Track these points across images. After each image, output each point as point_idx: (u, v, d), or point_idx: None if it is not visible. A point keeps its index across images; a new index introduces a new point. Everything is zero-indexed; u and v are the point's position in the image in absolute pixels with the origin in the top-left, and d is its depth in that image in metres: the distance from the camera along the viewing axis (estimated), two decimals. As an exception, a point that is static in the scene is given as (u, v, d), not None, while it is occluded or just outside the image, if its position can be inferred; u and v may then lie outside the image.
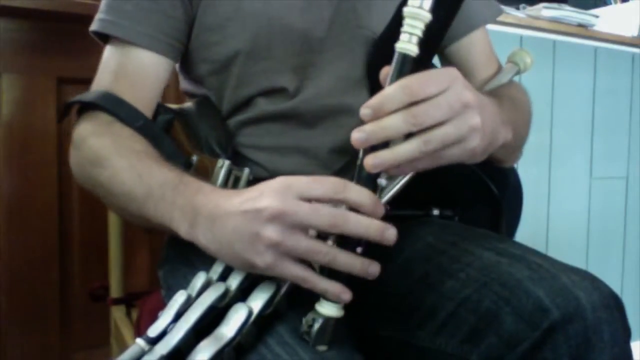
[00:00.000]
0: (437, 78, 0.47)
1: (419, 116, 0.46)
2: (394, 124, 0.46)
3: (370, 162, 0.47)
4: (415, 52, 0.48)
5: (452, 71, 0.49)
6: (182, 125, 0.73)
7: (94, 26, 0.71)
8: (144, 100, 0.69)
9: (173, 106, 0.77)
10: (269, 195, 0.46)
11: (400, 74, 0.48)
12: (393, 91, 0.47)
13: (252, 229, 0.46)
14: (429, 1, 0.48)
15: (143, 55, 0.69)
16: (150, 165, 0.58)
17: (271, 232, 0.45)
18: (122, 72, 0.69)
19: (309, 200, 0.46)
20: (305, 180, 0.46)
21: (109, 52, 0.71)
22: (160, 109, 0.74)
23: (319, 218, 0.45)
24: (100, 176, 0.61)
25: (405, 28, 0.48)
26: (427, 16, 0.48)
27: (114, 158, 0.60)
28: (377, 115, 0.47)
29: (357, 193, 0.46)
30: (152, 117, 0.71)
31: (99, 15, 0.70)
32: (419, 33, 0.48)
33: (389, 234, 0.47)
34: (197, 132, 0.71)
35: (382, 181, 0.49)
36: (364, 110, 0.47)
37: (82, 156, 0.64)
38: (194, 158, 0.67)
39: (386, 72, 0.49)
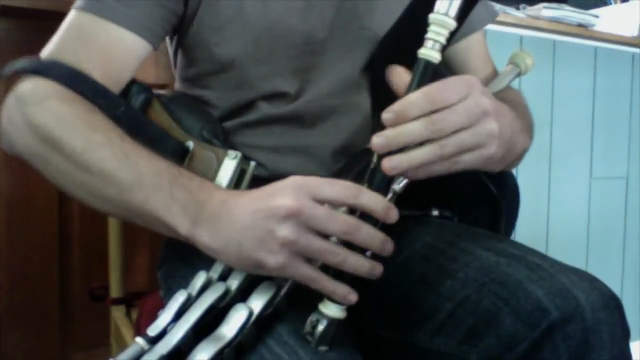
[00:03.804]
0: (458, 86, 0.48)
1: (438, 123, 0.46)
2: (414, 130, 0.46)
3: (388, 165, 0.47)
4: (438, 59, 0.48)
5: (470, 79, 0.49)
6: (164, 106, 0.66)
7: (79, 4, 0.63)
8: (113, 76, 0.62)
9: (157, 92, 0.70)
10: (283, 193, 0.45)
11: (421, 80, 0.48)
12: (416, 98, 0.47)
13: (266, 227, 0.45)
14: (455, 8, 0.48)
15: (123, 34, 0.62)
16: (136, 147, 0.52)
17: (286, 231, 0.44)
18: (92, 41, 0.61)
19: (322, 201, 0.46)
20: (319, 182, 0.46)
21: (77, 19, 0.62)
22: (134, 86, 0.65)
23: (335, 224, 0.45)
24: (66, 148, 0.52)
25: (429, 35, 0.48)
26: (453, 24, 0.48)
27: (89, 130, 0.52)
28: (398, 121, 0.47)
29: (371, 199, 0.46)
30: (121, 96, 0.64)
31: None
32: (443, 40, 0.48)
33: (389, 246, 0.48)
34: (189, 122, 0.67)
35: (395, 187, 0.49)
36: (386, 115, 0.47)
37: (36, 116, 0.54)
38: (190, 144, 0.63)
39: (397, 71, 0.49)
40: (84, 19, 0.62)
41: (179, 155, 0.62)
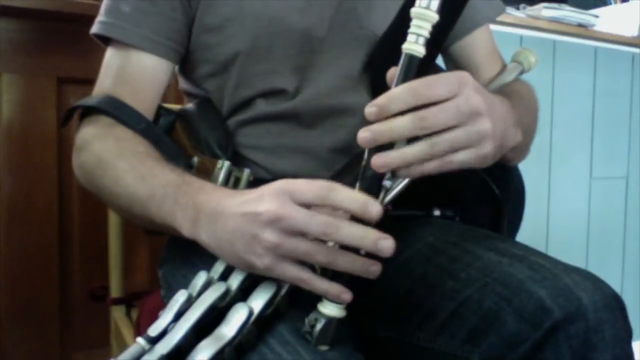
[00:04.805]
0: (446, 82, 0.47)
1: (427, 119, 0.46)
2: (402, 125, 0.46)
3: (378, 161, 0.47)
4: (422, 53, 0.48)
5: (462, 75, 0.49)
6: (183, 126, 0.73)
7: (94, 29, 0.71)
8: (145, 103, 0.69)
9: (174, 107, 0.77)
10: (267, 198, 0.46)
11: (406, 74, 0.48)
12: (399, 92, 0.47)
13: (251, 231, 0.46)
14: (436, 2, 0.48)
15: (144, 58, 0.69)
16: (152, 166, 0.58)
17: (269, 235, 0.45)
18: (123, 76, 0.69)
19: (303, 204, 0.46)
20: (298, 184, 0.46)
21: (110, 55, 0.71)
22: (161, 110, 0.74)
23: (312, 225, 0.45)
24: (103, 179, 0.61)
25: (412, 29, 0.48)
26: (435, 17, 0.48)
27: (116, 161, 0.61)
28: (382, 115, 0.47)
29: (342, 197, 0.45)
30: (153, 119, 0.72)
31: (99, 18, 0.70)
32: (426, 34, 0.48)
33: (384, 245, 0.45)
34: (198, 133, 0.71)
35: (386, 182, 0.49)
36: (370, 109, 0.47)
37: (85, 160, 0.65)
38: (195, 159, 0.67)
39: (393, 72, 0.49)
40: (111, 53, 0.71)
41: (187, 169, 0.65)
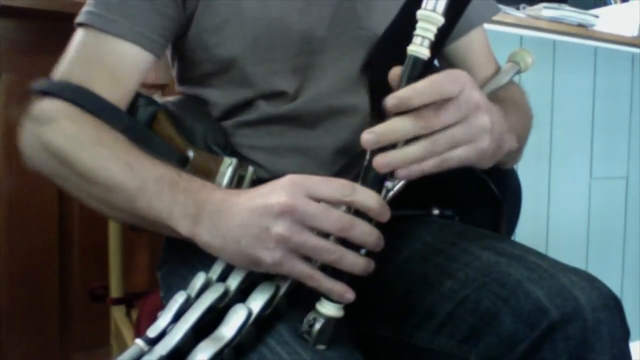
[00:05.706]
0: (450, 81, 0.47)
1: (429, 119, 0.46)
2: (404, 126, 0.46)
3: (380, 162, 0.47)
4: (427, 55, 0.48)
5: (461, 74, 0.49)
6: (169, 118, 0.69)
7: (82, 18, 0.66)
8: (121, 93, 0.65)
9: (156, 98, 0.73)
10: (279, 191, 0.46)
11: (410, 77, 0.48)
12: (411, 92, 0.46)
13: (262, 224, 0.46)
14: (443, 4, 0.48)
15: (126, 47, 0.65)
16: (139, 156, 0.56)
17: (281, 228, 0.45)
18: (99, 62, 0.64)
19: (317, 199, 0.46)
20: (315, 180, 0.47)
21: (83, 38, 0.65)
22: (140, 100, 0.68)
23: (329, 220, 0.45)
24: (76, 163, 0.56)
25: (418, 31, 0.48)
26: (441, 19, 0.48)
27: (95, 145, 0.57)
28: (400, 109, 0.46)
29: (366, 197, 0.46)
30: (128, 109, 0.67)
31: (87, 8, 0.66)
32: (432, 36, 0.48)
33: (382, 243, 0.48)
34: (192, 129, 0.69)
35: (388, 183, 0.49)
36: (391, 101, 0.46)
37: (50, 136, 0.59)
38: (190, 154, 0.65)
39: (395, 72, 0.49)
40: (88, 36, 0.65)
41: (181, 165, 0.63)
